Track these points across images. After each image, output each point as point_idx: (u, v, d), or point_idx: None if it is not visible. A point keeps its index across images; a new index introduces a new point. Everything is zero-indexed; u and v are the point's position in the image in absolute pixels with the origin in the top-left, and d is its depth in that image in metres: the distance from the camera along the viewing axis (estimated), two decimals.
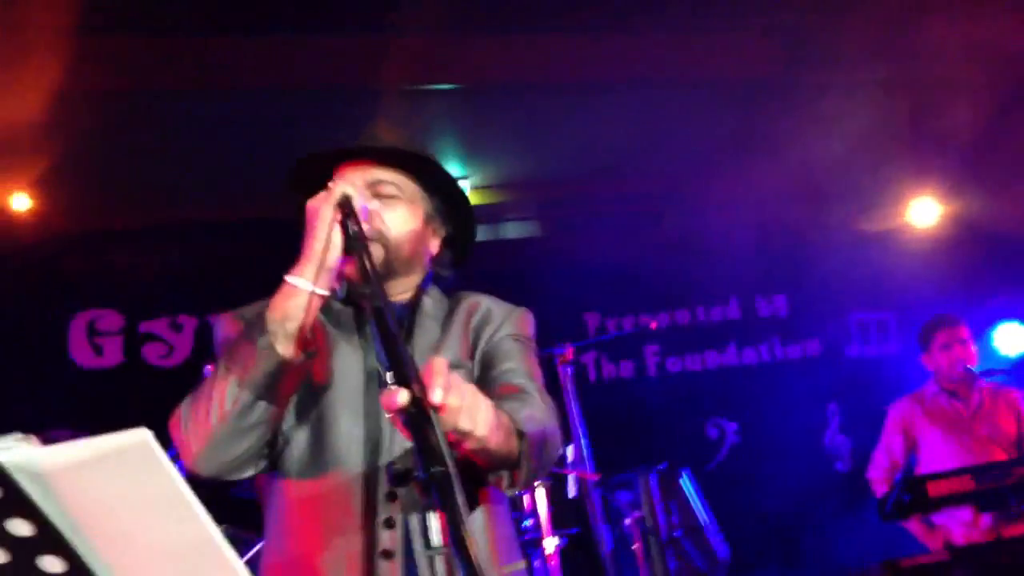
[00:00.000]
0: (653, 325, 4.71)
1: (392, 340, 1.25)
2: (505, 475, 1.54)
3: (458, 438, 1.30)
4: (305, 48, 5.45)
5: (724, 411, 6.33)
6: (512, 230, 7.07)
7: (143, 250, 5.54)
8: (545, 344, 4.27)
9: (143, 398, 5.11)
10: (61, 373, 5.32)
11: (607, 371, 6.23)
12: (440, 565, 1.39)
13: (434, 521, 1.11)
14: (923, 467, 4.51)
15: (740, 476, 6.10)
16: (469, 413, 1.28)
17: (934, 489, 3.66)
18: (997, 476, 3.64)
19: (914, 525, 4.29)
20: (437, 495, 1.06)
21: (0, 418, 5.05)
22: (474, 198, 6.66)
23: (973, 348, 4.57)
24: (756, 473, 6.06)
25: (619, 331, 6.11)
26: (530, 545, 4.00)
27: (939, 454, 4.44)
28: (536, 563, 4.05)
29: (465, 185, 6.57)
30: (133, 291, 5.49)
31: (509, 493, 1.58)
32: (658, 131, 6.03)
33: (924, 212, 6.51)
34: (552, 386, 4.18)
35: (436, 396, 1.20)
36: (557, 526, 3.91)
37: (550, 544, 3.83)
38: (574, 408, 4.20)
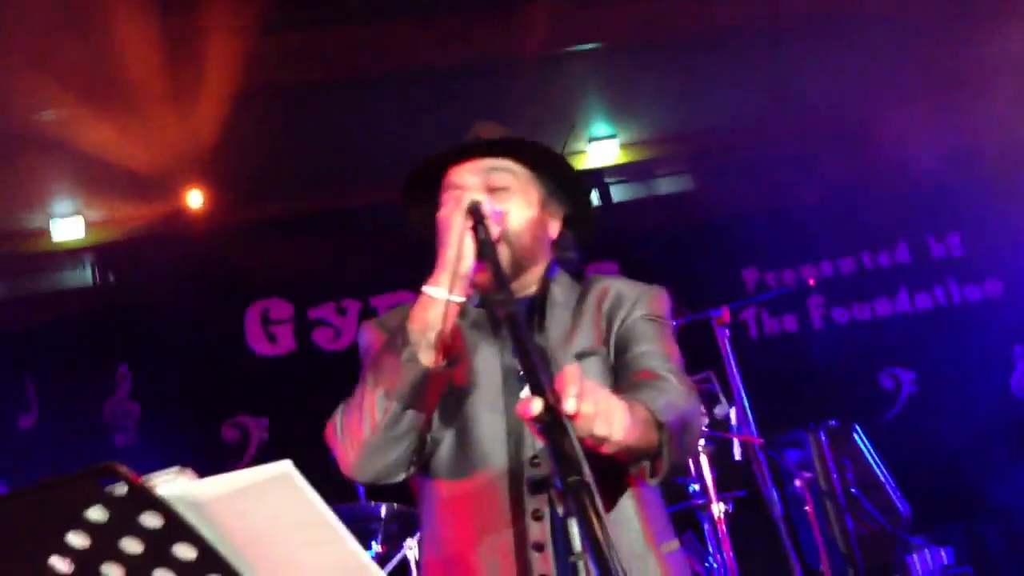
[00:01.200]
0: (811, 281, 4.53)
1: (524, 348, 1.26)
2: (647, 465, 1.53)
3: (595, 443, 1.30)
4: (445, 28, 5.52)
5: (898, 361, 6.06)
6: (665, 186, 6.98)
7: (306, 238, 5.79)
8: (702, 305, 4.21)
9: (316, 382, 5.37)
10: (241, 362, 5.64)
11: (769, 327, 6.07)
12: (582, 570, 1.40)
13: (573, 527, 1.12)
14: None
15: (920, 428, 5.84)
16: (604, 418, 1.28)
17: None
18: None
19: None
20: (573, 504, 1.07)
21: (191, 408, 5.44)
22: (624, 155, 6.61)
23: None
24: (937, 424, 5.78)
25: (779, 286, 5.93)
26: (699, 509, 3.97)
27: None
28: (706, 527, 4.02)
29: (614, 143, 6.52)
30: (299, 279, 5.74)
31: (652, 483, 1.56)
32: (809, 76, 5.78)
33: None
34: (710, 350, 4.15)
35: (569, 406, 1.20)
36: (723, 490, 3.86)
37: (717, 509, 3.79)
38: (734, 370, 4.11)
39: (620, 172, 6.72)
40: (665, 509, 1.81)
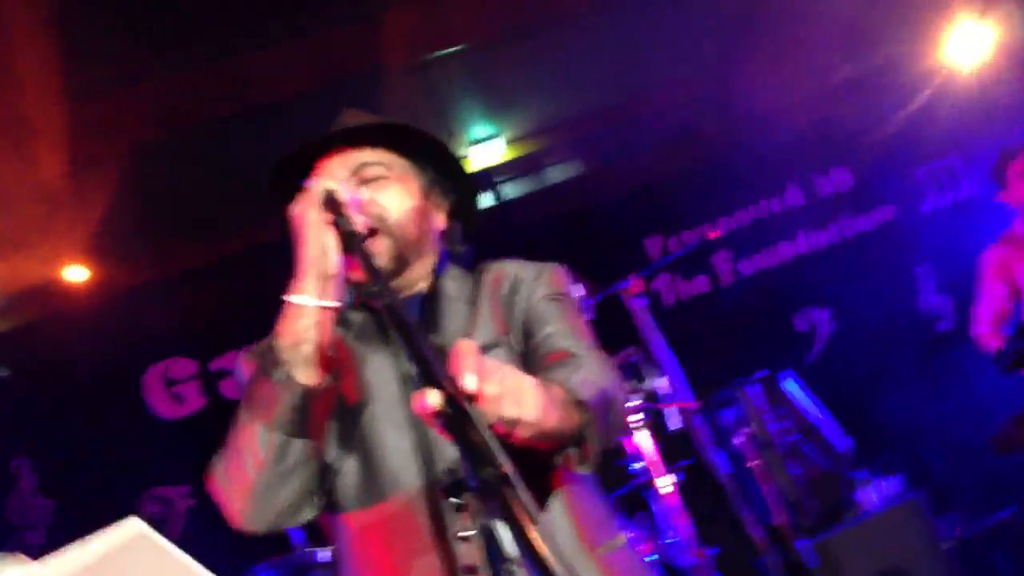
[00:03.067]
0: (712, 234, 4.49)
1: (410, 337, 1.10)
2: (573, 452, 1.37)
3: (507, 428, 1.13)
4: (306, 50, 5.34)
5: (810, 301, 6.09)
6: (556, 174, 6.92)
7: (195, 291, 5.53)
8: (610, 280, 4.13)
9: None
10: (149, 431, 5.35)
11: (682, 291, 6.05)
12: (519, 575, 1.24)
13: (503, 530, 0.97)
14: None
15: (844, 362, 5.88)
16: (513, 397, 1.12)
17: None
18: None
19: None
20: (494, 501, 0.92)
21: (104, 492, 5.13)
22: (510, 152, 6.53)
23: None
24: (859, 356, 5.84)
25: (682, 248, 5.90)
26: (644, 488, 3.88)
27: None
28: (653, 507, 3.93)
29: (500, 142, 6.45)
30: (196, 333, 5.49)
31: (583, 470, 1.40)
32: (677, 36, 5.79)
33: (964, 45, 6.05)
34: (629, 325, 4.07)
35: (469, 383, 1.05)
36: (669, 463, 3.77)
37: (666, 482, 3.69)
38: (657, 340, 4.03)
39: (508, 169, 6.64)
40: (604, 502, 1.64)
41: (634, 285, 4.01)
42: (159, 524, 5.14)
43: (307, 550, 3.85)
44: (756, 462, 4.13)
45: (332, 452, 1.54)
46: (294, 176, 1.66)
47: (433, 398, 1.00)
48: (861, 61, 6.15)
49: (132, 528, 0.77)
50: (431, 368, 1.04)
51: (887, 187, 6.35)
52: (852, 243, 6.25)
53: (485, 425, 0.99)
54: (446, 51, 5.82)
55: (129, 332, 5.41)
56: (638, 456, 3.80)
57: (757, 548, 3.86)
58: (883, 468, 4.77)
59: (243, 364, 1.69)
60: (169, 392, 5.43)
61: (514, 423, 1.13)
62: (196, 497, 5.25)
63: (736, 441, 4.18)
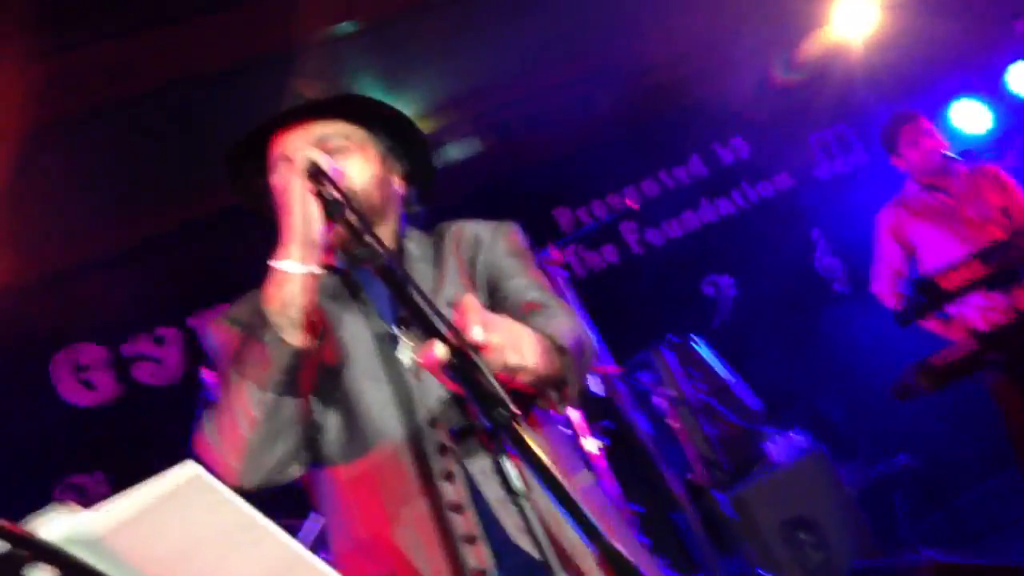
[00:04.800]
0: (629, 202, 4.62)
1: (408, 294, 1.16)
2: (554, 394, 1.47)
3: (509, 375, 1.22)
4: (203, 31, 5.22)
5: (715, 268, 6.31)
6: (455, 152, 6.94)
7: (100, 275, 5.38)
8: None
9: (147, 421, 5.03)
10: (60, 419, 5.20)
11: (592, 262, 6.18)
12: (527, 508, 1.31)
13: (510, 466, 1.04)
14: (926, 266, 4.50)
15: (748, 325, 6.12)
16: (515, 346, 1.20)
17: (946, 282, 3.65)
18: (1003, 254, 3.63)
19: (932, 324, 4.29)
20: (509, 439, 0.99)
21: (17, 484, 4.97)
22: None
23: (940, 135, 4.52)
24: (761, 318, 6.09)
25: (593, 219, 6.03)
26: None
27: (938, 250, 4.42)
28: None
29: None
30: (104, 318, 5.34)
31: (561, 411, 1.51)
32: (574, 8, 5.86)
33: (851, 17, 6.32)
34: None
35: (477, 334, 1.12)
36: (593, 427, 3.89)
37: (592, 446, 3.82)
38: (576, 308, 4.14)
39: None
40: (570, 443, 1.76)
41: (553, 255, 4.11)
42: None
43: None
44: (674, 422, 4.29)
45: (316, 409, 1.61)
46: (247, 149, 1.71)
47: (439, 349, 1.06)
48: (754, 33, 6.35)
49: (188, 471, 0.80)
50: (434, 321, 1.10)
51: (782, 155, 6.60)
52: (753, 210, 6.49)
53: (491, 372, 1.06)
54: (338, 31, 5.77)
55: (36, 319, 5.24)
56: (565, 422, 3.91)
57: (677, 504, 4.03)
58: (789, 423, 5.01)
59: (216, 330, 1.73)
60: (79, 378, 5.28)
61: (516, 370, 1.20)
62: (111, 484, 5.14)
63: (655, 402, 4.33)
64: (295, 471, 1.58)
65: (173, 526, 0.81)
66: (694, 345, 5.00)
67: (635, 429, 4.00)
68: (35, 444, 5.05)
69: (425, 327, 1.11)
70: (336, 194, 1.42)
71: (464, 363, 1.05)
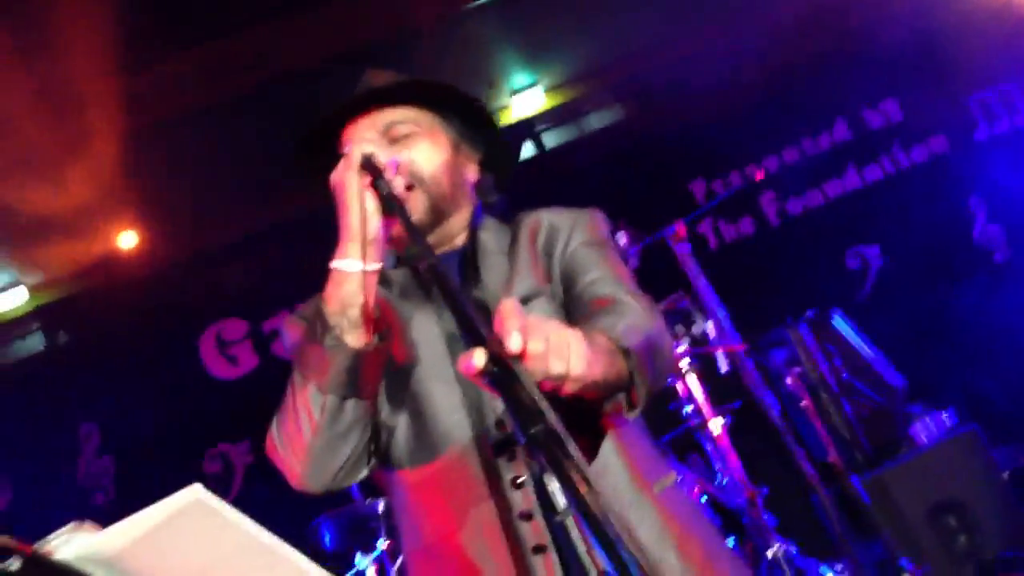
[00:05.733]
0: (759, 175, 4.42)
1: (453, 298, 1.11)
2: (622, 398, 1.36)
3: (554, 384, 1.13)
4: (337, 15, 5.33)
5: (861, 238, 6.00)
6: (596, 121, 6.86)
7: (248, 256, 5.61)
8: (657, 227, 4.11)
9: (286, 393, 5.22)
10: (206, 391, 5.47)
11: (727, 234, 5.99)
12: (573, 528, 1.25)
13: (552, 483, 0.98)
14: None
15: (896, 299, 5.80)
16: (558, 353, 1.11)
17: None
18: None
19: None
20: (544, 457, 0.93)
21: (165, 451, 5.27)
22: (550, 100, 6.48)
23: None
24: (911, 291, 5.76)
25: (727, 190, 5.83)
26: (697, 430, 3.89)
27: None
28: (708, 447, 3.94)
29: (538, 90, 6.40)
30: (247, 295, 5.57)
31: (632, 416, 1.40)
32: None
33: None
34: (675, 270, 4.05)
35: (514, 343, 1.04)
36: (717, 406, 3.77)
37: (715, 425, 3.71)
38: (702, 283, 4.01)
39: (548, 118, 6.59)
40: (653, 443, 1.65)
41: (679, 230, 3.99)
42: (221, 480, 5.28)
43: (365, 501, 3.93)
44: (807, 402, 4.11)
45: (384, 411, 1.57)
46: (323, 143, 1.67)
47: (479, 358, 1.01)
48: None
49: (191, 495, 0.79)
50: (476, 327, 1.05)
51: (937, 118, 6.19)
52: (903, 176, 6.12)
53: (531, 382, 1.00)
54: (481, 1, 5.77)
55: (183, 296, 5.52)
56: (689, 399, 3.81)
57: (809, 485, 3.86)
58: (939, 403, 4.72)
59: (289, 328, 1.71)
60: (224, 353, 5.53)
61: (561, 378, 1.13)
62: (255, 453, 5.37)
63: (787, 381, 4.16)
64: (362, 474, 1.55)
65: (180, 546, 0.81)
66: (833, 321, 4.77)
67: (765, 409, 3.84)
68: (183, 416, 5.33)
69: (467, 330, 1.06)
70: (393, 188, 1.38)
71: (505, 372, 1.00)
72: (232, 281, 5.56)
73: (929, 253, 5.86)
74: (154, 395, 5.36)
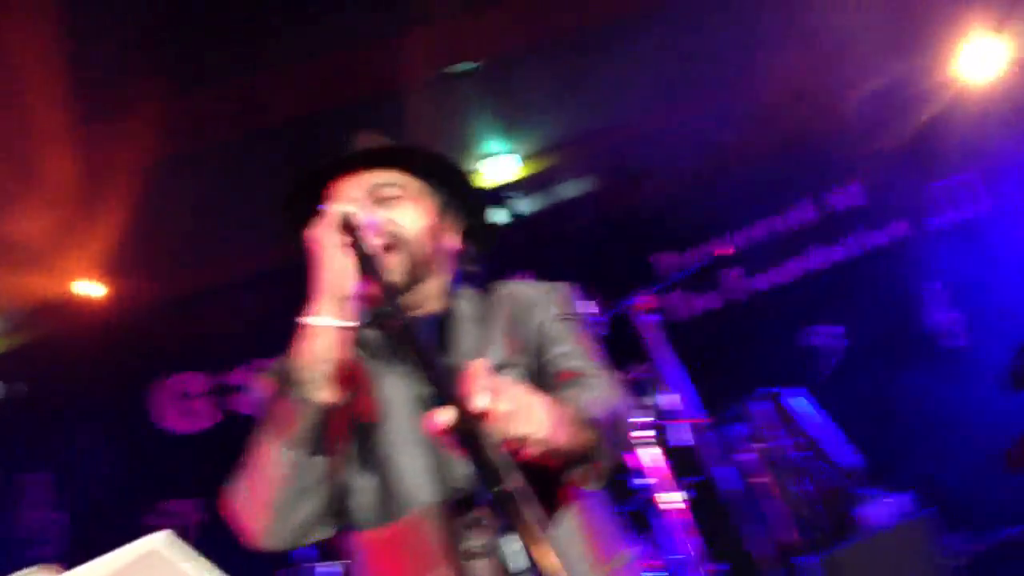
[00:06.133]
0: (727, 250, 4.50)
1: (424, 356, 1.13)
2: (583, 469, 1.39)
3: (517, 445, 1.15)
4: (323, 70, 5.38)
5: (824, 317, 6.08)
6: (570, 189, 6.95)
7: (208, 308, 5.57)
8: (622, 296, 4.15)
9: (245, 450, 5.14)
10: (162, 445, 5.38)
11: (694, 307, 6.06)
12: None
13: (513, 544, 0.99)
14: None
15: (857, 379, 5.86)
16: (523, 415, 1.14)
17: None
18: None
19: None
20: (504, 516, 0.94)
21: (117, 505, 5.15)
22: (527, 169, 6.56)
23: None
24: (872, 373, 5.83)
25: (695, 264, 5.91)
26: (646, 505, 3.87)
27: None
28: (655, 523, 3.92)
29: (514, 158, 6.47)
30: (209, 349, 5.52)
31: (594, 488, 1.43)
32: (690, 53, 5.80)
33: (981, 58, 6.01)
34: (640, 341, 4.08)
35: (480, 402, 1.06)
36: (676, 479, 3.77)
37: (675, 498, 3.70)
38: (668, 356, 4.04)
39: (522, 186, 6.67)
40: (613, 516, 1.67)
41: (644, 302, 4.03)
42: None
43: (309, 565, 3.87)
44: (764, 478, 4.12)
45: (349, 470, 1.57)
46: (309, 198, 1.69)
47: (445, 415, 1.02)
48: (875, 75, 6.16)
49: (156, 542, 0.79)
50: (445, 385, 1.06)
51: (900, 203, 6.35)
52: (865, 258, 6.24)
53: (496, 442, 1.02)
54: (460, 68, 5.86)
55: (143, 347, 5.45)
56: (641, 472, 3.80)
57: (764, 565, 3.86)
58: (894, 485, 4.76)
59: (258, 383, 1.71)
60: (182, 406, 5.46)
61: (524, 440, 1.14)
62: (208, 511, 5.27)
63: (745, 457, 4.17)
64: (323, 532, 1.54)
65: None
66: (792, 398, 4.82)
67: (721, 484, 3.85)
68: (136, 470, 5.22)
69: (436, 387, 1.07)
70: (371, 248, 1.40)
71: (469, 431, 1.01)
72: (195, 333, 5.50)
73: (891, 335, 5.96)
74: (107, 447, 5.26)
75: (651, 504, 3.77)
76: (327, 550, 3.92)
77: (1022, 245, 5.95)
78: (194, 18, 4.70)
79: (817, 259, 6.22)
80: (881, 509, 4.46)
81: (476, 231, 1.83)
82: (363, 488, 1.57)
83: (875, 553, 4.25)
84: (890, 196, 6.35)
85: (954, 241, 6.28)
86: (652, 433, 3.87)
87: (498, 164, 6.42)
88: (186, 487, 5.25)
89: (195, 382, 5.54)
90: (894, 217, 6.33)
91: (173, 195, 5.35)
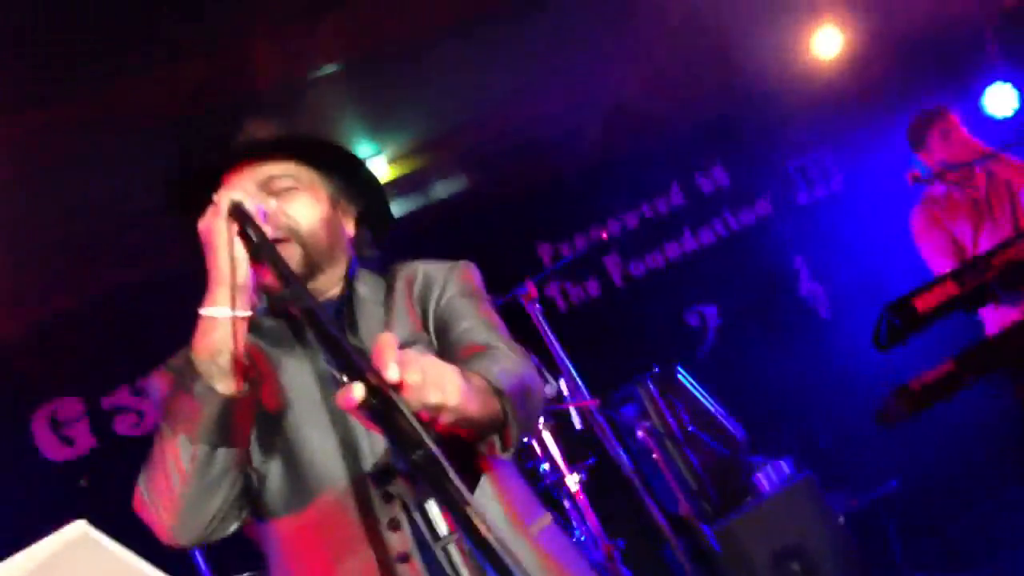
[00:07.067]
0: (605, 235, 4.61)
1: (329, 336, 1.13)
2: (495, 439, 1.42)
3: (431, 414, 1.17)
4: (182, 76, 5.22)
5: (699, 297, 6.30)
6: (442, 190, 6.96)
7: (82, 328, 5.34)
8: (506, 289, 4.19)
9: (127, 473, 4.95)
10: (40, 476, 5.14)
11: (575, 295, 6.17)
12: (456, 554, 1.26)
13: (434, 509, 1.00)
14: None
15: (733, 354, 6.09)
16: (436, 384, 1.15)
17: (922, 304, 3.60)
18: (977, 272, 3.60)
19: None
20: (426, 481, 0.95)
21: (10, 525, 4.88)
22: (393, 171, 6.53)
23: (967, 131, 4.39)
24: (747, 348, 6.06)
25: (573, 253, 6.03)
26: (554, 488, 3.95)
27: (976, 246, 4.31)
28: (566, 504, 4.00)
29: (381, 160, 6.44)
30: (83, 372, 5.29)
31: (506, 456, 1.45)
32: (553, 43, 5.89)
33: (827, 41, 6.30)
34: (525, 330, 4.13)
35: (392, 373, 1.07)
36: (572, 463, 3.85)
37: (572, 482, 3.78)
38: (554, 343, 4.11)
39: (392, 187, 6.64)
40: (527, 485, 1.70)
41: (530, 290, 4.09)
42: None
43: None
44: (658, 454, 4.25)
45: (256, 459, 1.56)
46: (198, 193, 1.64)
47: (357, 390, 1.02)
48: (730, 61, 6.38)
49: (76, 529, 0.78)
50: (353, 361, 1.07)
51: (762, 183, 6.61)
52: (734, 238, 6.48)
53: (411, 412, 1.03)
54: (322, 72, 5.79)
55: (14, 374, 5.19)
56: (546, 457, 3.87)
57: (663, 538, 3.97)
58: (775, 451, 4.96)
59: (158, 380, 1.69)
60: (58, 434, 5.22)
61: (438, 409, 1.16)
62: None
63: (638, 435, 4.28)
64: (233, 525, 1.53)
65: None
66: (678, 376, 4.97)
67: (617, 463, 3.94)
68: (14, 500, 4.97)
69: (346, 368, 1.07)
70: (263, 235, 1.39)
71: (382, 404, 1.02)
72: (67, 357, 5.27)
73: (761, 310, 6.21)
74: None
75: (560, 486, 3.84)
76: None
77: (874, 218, 6.28)
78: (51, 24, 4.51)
79: (691, 242, 6.42)
80: (767, 476, 4.65)
81: (371, 216, 1.83)
82: (273, 475, 1.56)
83: (765, 518, 4.43)
84: (752, 177, 6.61)
85: (814, 217, 6.59)
86: (544, 420, 3.94)
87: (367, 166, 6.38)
88: (68, 515, 5.00)
89: (70, 407, 5.31)
90: (758, 196, 6.59)
91: (36, 208, 5.11)
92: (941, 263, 4.45)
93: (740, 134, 6.46)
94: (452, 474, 0.97)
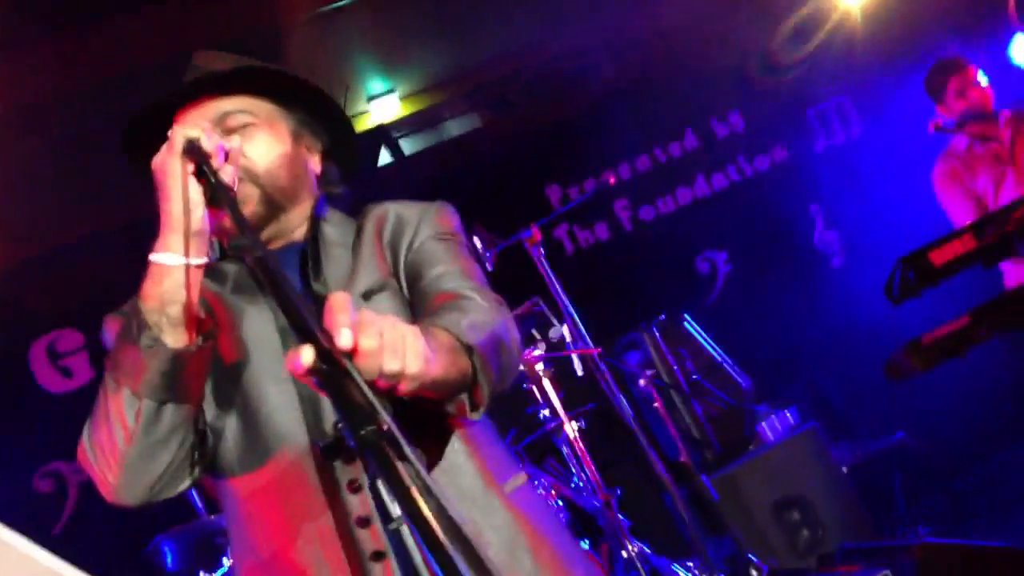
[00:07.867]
0: (612, 180, 4.48)
1: (279, 291, 1.03)
2: (464, 399, 1.31)
3: (389, 382, 1.07)
4: (191, 11, 5.11)
5: (709, 244, 6.17)
6: (454, 128, 6.85)
7: (84, 261, 5.28)
8: (511, 230, 4.10)
9: None
10: (37, 406, 5.12)
11: (583, 239, 6.05)
12: (408, 537, 1.19)
13: (384, 492, 0.91)
14: None
15: (742, 302, 5.99)
16: (393, 350, 1.04)
17: (938, 257, 3.47)
18: (998, 225, 3.46)
19: None
20: (373, 461, 0.86)
21: (6, 460, 4.90)
22: (406, 107, 6.42)
23: (986, 84, 4.23)
24: (757, 295, 5.96)
25: (581, 196, 5.89)
26: (554, 433, 3.89)
27: (998, 199, 4.19)
28: (565, 451, 3.95)
29: (394, 98, 6.32)
30: (84, 305, 5.24)
31: (475, 416, 1.35)
32: None
33: None
34: (531, 274, 4.05)
35: (344, 339, 0.97)
36: (570, 409, 3.79)
37: (570, 429, 3.72)
38: (558, 288, 4.02)
39: (406, 124, 6.53)
40: (502, 443, 1.60)
41: (535, 234, 3.99)
42: (54, 499, 4.95)
43: (212, 517, 3.76)
44: (659, 402, 4.18)
45: (211, 414, 1.47)
46: (154, 135, 1.51)
47: (306, 355, 0.92)
48: (752, 4, 6.20)
49: None
50: (304, 322, 0.97)
51: (778, 130, 6.44)
52: (747, 184, 6.33)
53: (364, 381, 0.93)
54: (338, 5, 5.65)
55: (13, 306, 5.15)
56: (546, 403, 3.81)
57: (662, 485, 3.92)
58: (785, 402, 4.89)
59: (110, 325, 1.59)
60: (56, 366, 5.19)
61: (396, 376, 1.06)
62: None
63: (641, 383, 4.21)
64: (183, 484, 1.44)
65: None
66: (684, 324, 4.88)
67: (618, 410, 3.88)
68: (15, 432, 4.97)
69: (296, 325, 0.98)
70: (220, 175, 1.28)
71: (334, 370, 0.92)
72: (66, 289, 5.22)
73: (773, 258, 6.09)
74: None
75: (560, 432, 3.79)
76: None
77: (893, 167, 6.12)
78: None
79: (703, 188, 6.27)
80: (772, 425, 4.59)
81: (339, 151, 1.70)
82: (229, 431, 1.46)
83: (768, 467, 4.38)
84: (768, 123, 6.43)
85: (831, 164, 6.42)
86: (544, 365, 3.87)
87: (380, 104, 6.27)
88: (67, 448, 5.00)
89: (69, 339, 5.27)
90: (773, 142, 6.42)
91: (37, 145, 5.05)
92: (962, 220, 4.31)
93: (759, 79, 6.28)
94: (407, 451, 0.87)
